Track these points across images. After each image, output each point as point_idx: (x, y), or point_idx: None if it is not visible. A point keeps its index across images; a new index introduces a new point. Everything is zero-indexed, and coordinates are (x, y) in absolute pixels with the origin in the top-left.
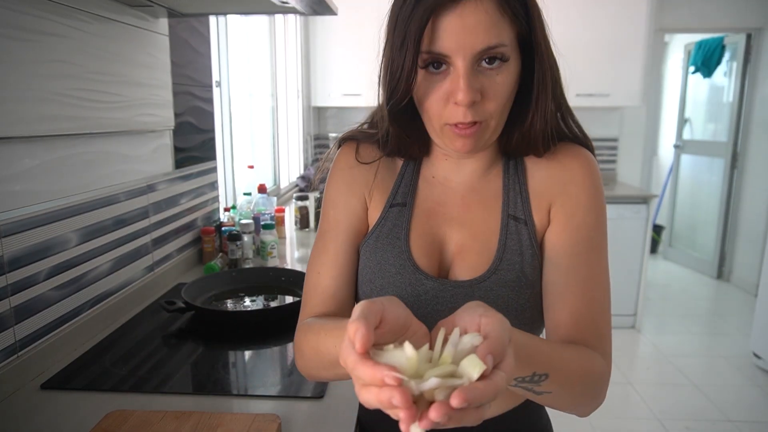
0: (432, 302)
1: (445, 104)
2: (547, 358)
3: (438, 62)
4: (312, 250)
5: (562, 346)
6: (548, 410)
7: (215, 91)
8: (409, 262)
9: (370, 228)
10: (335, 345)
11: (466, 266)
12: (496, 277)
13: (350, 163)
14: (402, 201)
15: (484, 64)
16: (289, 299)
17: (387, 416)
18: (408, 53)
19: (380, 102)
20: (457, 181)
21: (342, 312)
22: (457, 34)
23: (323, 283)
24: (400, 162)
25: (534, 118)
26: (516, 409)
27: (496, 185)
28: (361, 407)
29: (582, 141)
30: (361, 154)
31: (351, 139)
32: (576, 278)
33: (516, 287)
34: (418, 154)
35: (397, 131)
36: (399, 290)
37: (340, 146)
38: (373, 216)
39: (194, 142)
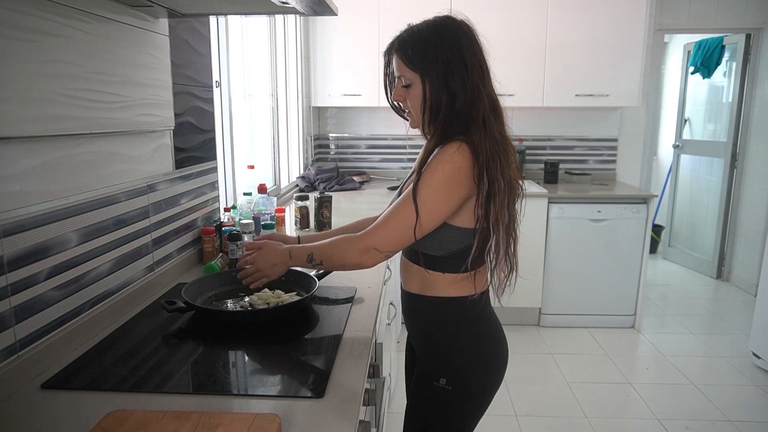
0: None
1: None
2: (314, 250)
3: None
4: None
5: (329, 241)
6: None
7: (215, 91)
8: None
9: None
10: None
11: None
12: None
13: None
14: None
15: (401, 86)
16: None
17: None
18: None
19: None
20: (424, 151)
21: None
22: (396, 68)
23: None
24: None
25: (431, 122)
26: (430, 297)
27: (430, 155)
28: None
29: (462, 138)
30: None
31: None
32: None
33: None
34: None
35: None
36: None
37: None
38: None
39: (194, 142)
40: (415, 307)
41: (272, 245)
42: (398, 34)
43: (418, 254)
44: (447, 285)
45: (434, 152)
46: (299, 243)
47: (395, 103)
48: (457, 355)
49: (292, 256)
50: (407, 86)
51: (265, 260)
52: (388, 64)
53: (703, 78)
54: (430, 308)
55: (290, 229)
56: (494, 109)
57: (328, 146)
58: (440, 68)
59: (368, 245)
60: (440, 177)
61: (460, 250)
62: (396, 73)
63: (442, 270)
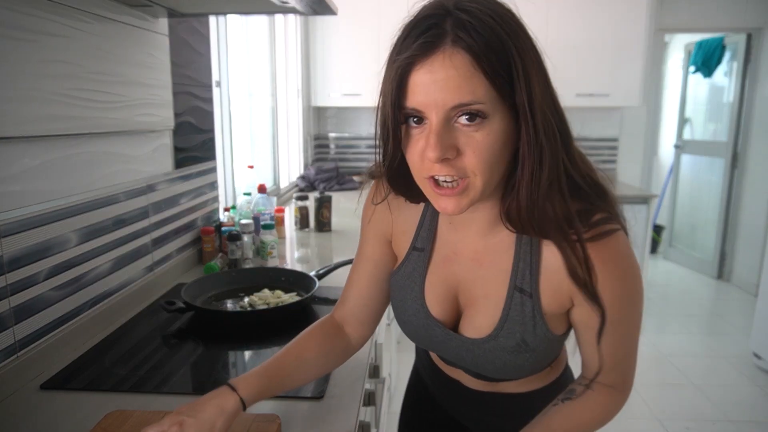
0: (441, 345)
1: (422, 159)
2: (570, 430)
3: (418, 117)
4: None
5: (584, 409)
6: None
7: (215, 91)
8: (423, 308)
9: (397, 264)
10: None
11: (473, 324)
12: (496, 343)
13: (373, 202)
14: (421, 246)
15: (462, 120)
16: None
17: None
18: (389, 109)
19: (377, 158)
20: (472, 230)
21: (354, 317)
22: (428, 90)
23: (347, 295)
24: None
25: (520, 188)
26: (542, 389)
27: (508, 248)
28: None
29: (608, 212)
30: (378, 195)
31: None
32: (603, 346)
33: (514, 351)
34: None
35: (392, 187)
36: (416, 328)
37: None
38: (400, 252)
39: (194, 142)
40: (517, 405)
41: None
42: (438, 11)
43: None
44: (555, 367)
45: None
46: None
47: (386, 171)
48: None
49: None
50: (478, 118)
51: None
52: (400, 80)
53: (704, 78)
54: (540, 400)
55: (290, 228)
56: None
57: (328, 146)
58: (542, 84)
59: (630, 391)
60: (636, 296)
61: None
62: (455, 101)
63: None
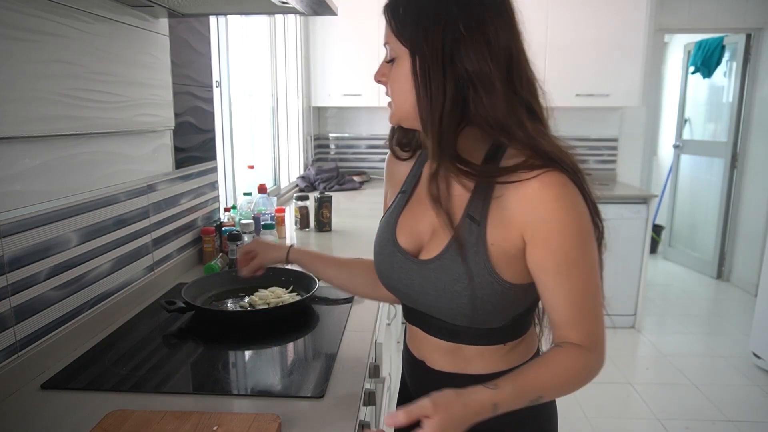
0: (399, 271)
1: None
2: (538, 386)
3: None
4: None
5: (552, 364)
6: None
7: (215, 91)
8: (392, 238)
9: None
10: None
11: (428, 249)
12: (440, 263)
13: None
14: (404, 189)
15: (387, 61)
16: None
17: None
18: None
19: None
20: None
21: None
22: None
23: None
24: (414, 158)
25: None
26: (508, 372)
27: (470, 184)
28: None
29: (553, 157)
30: (389, 157)
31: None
32: (561, 292)
33: (454, 275)
34: (402, 153)
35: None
36: (384, 257)
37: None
38: (389, 201)
39: (194, 142)
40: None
41: (454, 415)
42: None
43: (484, 333)
44: (521, 350)
45: (498, 185)
46: (289, 253)
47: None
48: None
49: (498, 409)
50: (390, 61)
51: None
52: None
53: (704, 78)
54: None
55: (290, 228)
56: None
57: (328, 146)
58: (440, 36)
59: (604, 354)
60: (586, 235)
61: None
62: (384, 42)
63: (515, 336)
